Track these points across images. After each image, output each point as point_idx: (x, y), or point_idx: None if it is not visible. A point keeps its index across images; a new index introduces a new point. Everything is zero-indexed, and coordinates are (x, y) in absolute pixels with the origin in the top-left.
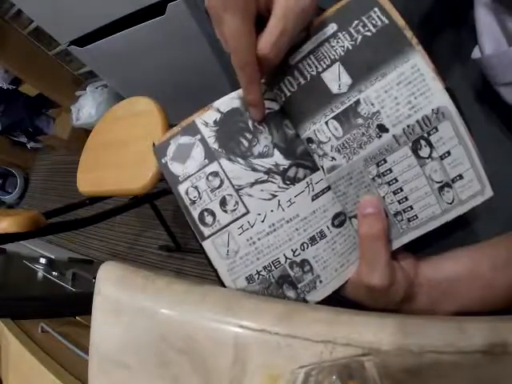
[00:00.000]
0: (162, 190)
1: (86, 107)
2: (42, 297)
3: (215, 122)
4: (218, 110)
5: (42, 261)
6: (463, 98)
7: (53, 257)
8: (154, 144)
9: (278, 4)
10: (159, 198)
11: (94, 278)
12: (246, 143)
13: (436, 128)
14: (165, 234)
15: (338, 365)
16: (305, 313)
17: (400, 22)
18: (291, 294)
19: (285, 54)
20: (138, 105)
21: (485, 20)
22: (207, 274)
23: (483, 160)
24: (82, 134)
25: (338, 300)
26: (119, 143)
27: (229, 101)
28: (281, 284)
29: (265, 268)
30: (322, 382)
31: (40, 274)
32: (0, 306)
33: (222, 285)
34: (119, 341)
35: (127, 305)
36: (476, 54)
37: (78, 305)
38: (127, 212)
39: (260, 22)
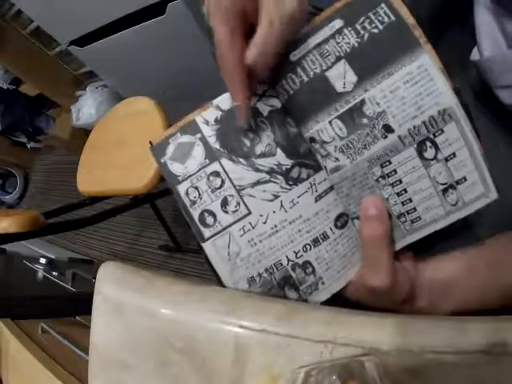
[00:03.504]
0: (162, 190)
1: (86, 107)
2: (42, 297)
3: (216, 120)
4: (219, 108)
5: (42, 261)
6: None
7: (53, 257)
8: (150, 143)
9: (264, 12)
10: (159, 198)
11: (94, 278)
12: (247, 142)
13: (442, 130)
14: (165, 233)
15: (337, 365)
16: (305, 313)
17: (409, 19)
18: (293, 295)
19: (284, 52)
20: (138, 105)
21: (484, 22)
22: (207, 274)
23: (488, 162)
24: (82, 133)
25: (339, 301)
26: (119, 143)
27: (229, 98)
28: (282, 286)
29: (266, 270)
30: (322, 381)
31: (40, 274)
32: (0, 306)
33: (223, 286)
34: (119, 341)
35: (127, 305)
36: (475, 55)
37: (78, 305)
38: (127, 212)
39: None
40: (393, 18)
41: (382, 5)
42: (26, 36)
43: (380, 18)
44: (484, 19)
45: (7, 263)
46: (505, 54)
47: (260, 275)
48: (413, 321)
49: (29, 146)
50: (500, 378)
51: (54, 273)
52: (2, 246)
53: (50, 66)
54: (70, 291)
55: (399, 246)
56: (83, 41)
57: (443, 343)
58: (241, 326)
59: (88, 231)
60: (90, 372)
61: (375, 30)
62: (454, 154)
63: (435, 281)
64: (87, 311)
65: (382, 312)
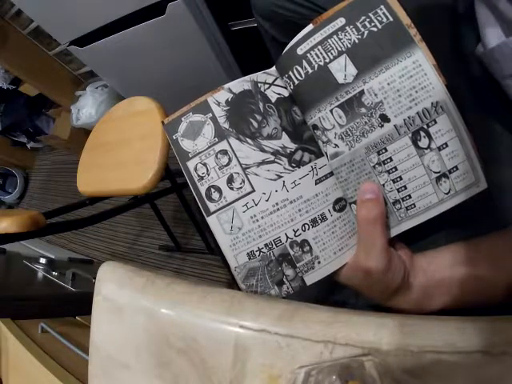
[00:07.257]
0: (162, 190)
1: (86, 107)
2: (42, 297)
3: (227, 101)
4: (230, 91)
5: (42, 261)
6: (463, 96)
7: (53, 257)
8: (163, 122)
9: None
10: (159, 198)
11: (94, 278)
12: (255, 124)
13: (435, 120)
14: (165, 233)
15: (337, 365)
16: (305, 313)
17: (405, 19)
18: (290, 272)
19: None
20: (137, 105)
21: (484, 14)
22: (207, 274)
23: (479, 154)
24: (82, 133)
25: (339, 301)
26: (119, 143)
27: (241, 83)
28: (280, 262)
29: (266, 245)
30: (322, 382)
31: (40, 274)
32: (0, 306)
33: (224, 260)
34: (119, 341)
35: (127, 305)
36: (479, 49)
37: (78, 305)
38: (127, 212)
39: None
40: (390, 18)
41: (381, 6)
42: (25, 36)
43: (379, 18)
44: (483, 12)
45: (7, 263)
46: (506, 41)
47: (260, 250)
48: (413, 321)
49: (29, 146)
50: (500, 378)
51: (53, 273)
52: (2, 246)
53: (49, 66)
54: (70, 291)
55: (394, 232)
56: (83, 41)
57: (443, 343)
58: (241, 326)
59: (88, 231)
60: (90, 372)
61: (374, 29)
62: (446, 144)
63: (430, 272)
64: (87, 311)
65: (381, 311)
